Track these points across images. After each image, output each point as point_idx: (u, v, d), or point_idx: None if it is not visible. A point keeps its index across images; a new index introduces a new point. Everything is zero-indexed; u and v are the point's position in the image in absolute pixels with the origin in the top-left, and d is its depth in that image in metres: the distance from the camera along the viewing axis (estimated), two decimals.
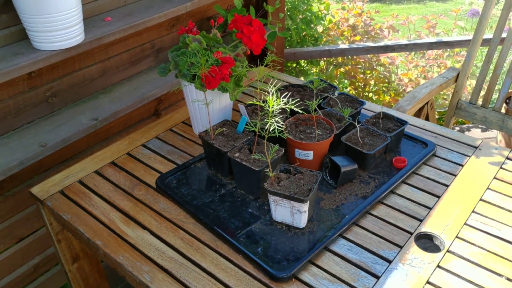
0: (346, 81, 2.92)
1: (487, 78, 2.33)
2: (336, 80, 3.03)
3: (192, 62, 1.21)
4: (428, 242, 1.10)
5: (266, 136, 1.08)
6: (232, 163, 1.19)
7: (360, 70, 3.07)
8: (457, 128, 2.92)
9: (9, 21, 1.41)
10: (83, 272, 1.46)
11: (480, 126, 2.94)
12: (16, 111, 1.51)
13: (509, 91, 2.15)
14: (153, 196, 1.23)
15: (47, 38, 1.36)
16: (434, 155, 1.38)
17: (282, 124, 1.07)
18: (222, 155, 1.20)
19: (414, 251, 1.05)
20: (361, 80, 3.01)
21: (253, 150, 1.19)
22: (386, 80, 3.09)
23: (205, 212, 1.15)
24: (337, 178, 1.23)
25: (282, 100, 1.00)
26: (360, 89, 3.08)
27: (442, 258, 1.03)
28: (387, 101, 3.00)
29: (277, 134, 1.02)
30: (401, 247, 1.06)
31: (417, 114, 1.86)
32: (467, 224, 1.12)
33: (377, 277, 0.99)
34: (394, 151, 1.38)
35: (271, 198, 1.07)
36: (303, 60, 3.02)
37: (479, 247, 1.06)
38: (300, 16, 2.57)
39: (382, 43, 2.50)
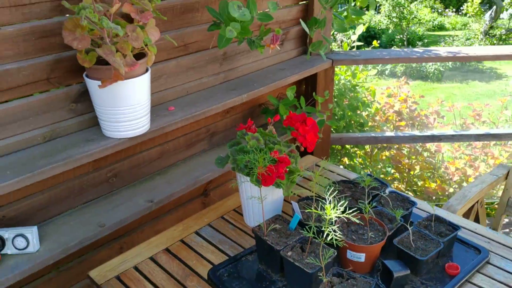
0: (391, 169, 2.93)
1: None
2: (380, 164, 3.04)
3: (250, 160, 1.27)
4: None
5: (322, 242, 1.10)
6: (284, 262, 1.21)
7: (405, 155, 3.08)
8: (506, 220, 2.83)
9: (83, 109, 1.54)
10: None
11: None
12: (79, 190, 1.61)
13: None
14: None
15: (117, 127, 1.47)
16: (488, 262, 1.35)
17: (340, 234, 1.08)
18: (275, 252, 1.23)
19: None
20: (406, 166, 3.01)
21: (306, 249, 1.21)
22: (432, 166, 3.08)
23: None
24: (389, 282, 1.22)
25: (339, 208, 1.03)
26: (405, 174, 3.08)
27: None
28: (432, 188, 2.97)
29: (334, 243, 1.04)
30: None
31: (467, 213, 1.84)
32: None
33: None
34: (446, 256, 1.36)
35: None
36: None
37: None
38: (347, 102, 2.65)
39: (428, 133, 2.53)
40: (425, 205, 1.62)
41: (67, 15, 1.42)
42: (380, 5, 12.97)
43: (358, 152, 3.13)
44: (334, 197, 1.32)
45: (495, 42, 11.02)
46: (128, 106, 1.44)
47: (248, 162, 1.31)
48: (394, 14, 11.95)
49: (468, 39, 11.64)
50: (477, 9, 12.45)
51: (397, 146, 3.10)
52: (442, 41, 11.94)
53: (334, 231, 1.03)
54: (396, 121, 3.13)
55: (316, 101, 2.24)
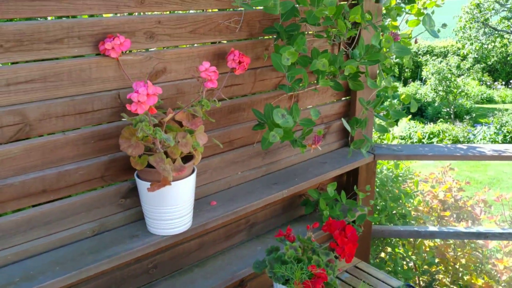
0: (435, 259, 2.82)
1: None
2: (424, 254, 2.93)
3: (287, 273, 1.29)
4: None
5: None
6: None
7: (449, 245, 2.97)
8: None
9: (130, 204, 1.63)
10: None
11: None
12: (120, 281, 1.66)
13: None
14: None
15: (162, 225, 1.54)
16: None
17: None
18: None
19: None
20: (451, 259, 2.89)
21: None
22: (479, 260, 2.93)
23: None
24: None
25: None
26: (450, 267, 2.95)
27: None
28: (479, 285, 2.82)
29: None
30: None
31: None
32: None
33: None
34: None
35: None
36: None
37: None
38: (389, 194, 2.64)
39: (474, 229, 2.45)
40: None
41: (124, 119, 1.54)
42: (426, 78, 13.01)
43: (400, 241, 3.04)
44: None
45: None
46: (173, 205, 1.51)
47: (285, 273, 1.32)
48: (440, 88, 11.92)
49: None
50: None
51: None
52: (491, 115, 11.70)
53: None
54: (441, 211, 3.05)
55: (358, 194, 2.25)
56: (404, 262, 2.96)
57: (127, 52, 1.49)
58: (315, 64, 1.70)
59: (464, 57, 16.55)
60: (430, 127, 10.47)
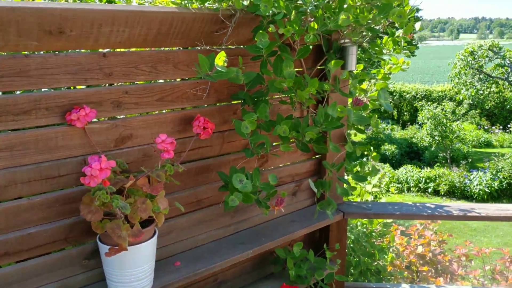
0: None
1: None
2: None
3: None
4: None
5: None
6: None
7: None
8: None
9: (93, 265, 1.67)
10: None
11: None
12: None
13: None
14: None
15: (122, 287, 1.58)
16: None
17: None
18: None
19: None
20: None
21: None
22: None
23: None
24: None
25: None
26: None
27: None
28: None
29: None
30: None
31: None
32: None
33: None
34: None
35: None
36: None
37: None
38: (363, 250, 2.66)
39: None
40: None
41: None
42: (422, 123, 13.14)
43: None
44: None
45: None
46: (132, 268, 1.56)
47: None
48: (436, 133, 12.03)
49: None
50: None
51: None
52: (487, 160, 11.73)
53: None
54: (419, 266, 3.06)
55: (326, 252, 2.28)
56: None
57: (93, 121, 1.58)
58: (277, 130, 1.79)
59: (460, 102, 16.78)
60: (427, 171, 10.50)
